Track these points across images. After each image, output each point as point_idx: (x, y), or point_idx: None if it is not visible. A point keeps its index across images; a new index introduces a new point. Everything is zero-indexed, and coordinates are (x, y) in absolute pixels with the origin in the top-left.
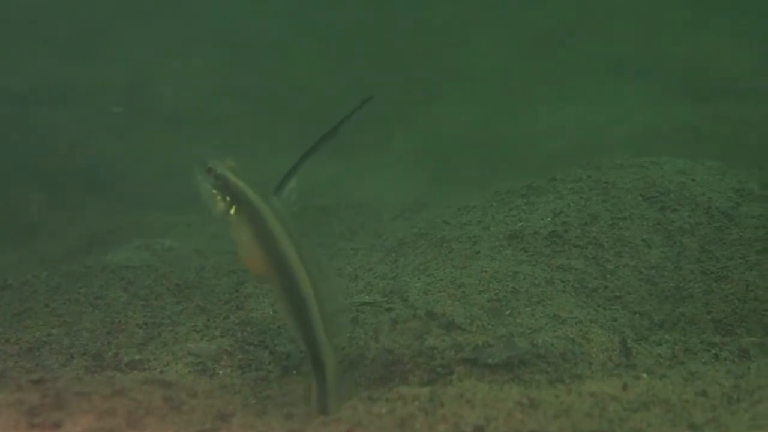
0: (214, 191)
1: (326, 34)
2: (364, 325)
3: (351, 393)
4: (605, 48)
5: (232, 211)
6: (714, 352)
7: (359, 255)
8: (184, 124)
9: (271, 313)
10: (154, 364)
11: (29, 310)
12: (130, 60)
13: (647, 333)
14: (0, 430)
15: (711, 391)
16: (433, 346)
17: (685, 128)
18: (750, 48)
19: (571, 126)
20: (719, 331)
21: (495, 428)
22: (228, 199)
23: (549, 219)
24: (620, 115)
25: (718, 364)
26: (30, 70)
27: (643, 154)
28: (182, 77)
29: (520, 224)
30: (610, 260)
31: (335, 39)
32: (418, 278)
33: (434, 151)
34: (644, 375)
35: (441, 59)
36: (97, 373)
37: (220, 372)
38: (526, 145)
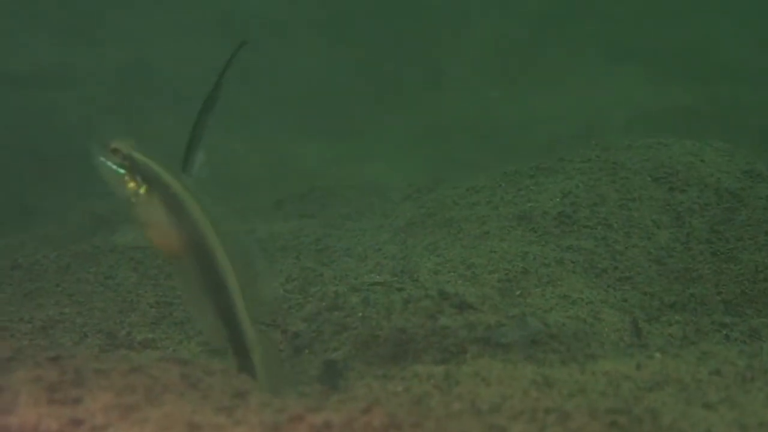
0: (122, 172)
1: (326, 15)
2: (375, 305)
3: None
4: (604, 31)
5: (142, 191)
6: (725, 332)
7: (367, 235)
8: (184, 105)
9: (282, 292)
10: (166, 343)
11: (40, 290)
12: (129, 41)
13: (657, 313)
14: (21, 406)
15: (724, 370)
16: (446, 326)
17: (684, 110)
18: (749, 31)
19: (571, 108)
20: (729, 311)
21: (511, 407)
22: (137, 179)
23: (558, 199)
24: (620, 98)
25: (730, 344)
26: (30, 52)
27: (644, 136)
28: (182, 58)
29: (529, 205)
30: (620, 241)
31: (335, 20)
32: (428, 258)
33: (434, 134)
34: (657, 354)
35: (441, 42)
36: (111, 351)
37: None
38: (527, 128)
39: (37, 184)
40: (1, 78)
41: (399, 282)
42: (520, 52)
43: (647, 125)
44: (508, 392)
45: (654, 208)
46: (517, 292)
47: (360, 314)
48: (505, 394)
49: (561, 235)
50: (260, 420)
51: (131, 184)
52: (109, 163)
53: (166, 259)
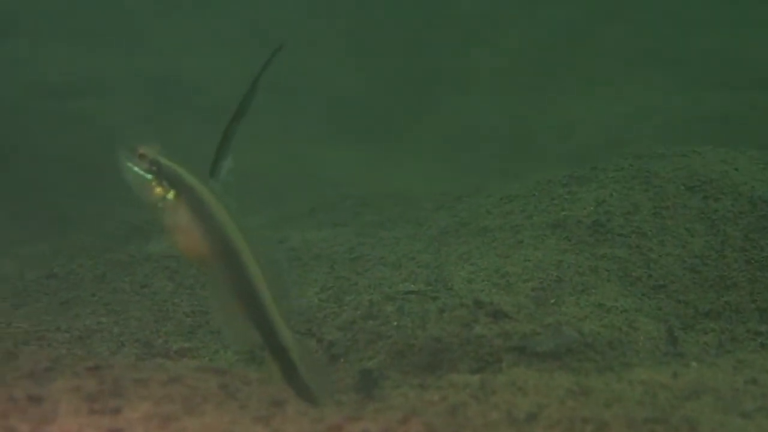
0: (149, 177)
1: (354, 26)
2: (410, 314)
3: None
4: (634, 39)
5: (169, 197)
6: (760, 340)
7: (401, 244)
8: (216, 116)
9: (317, 301)
10: (202, 352)
11: (76, 299)
12: (164, 52)
13: (692, 322)
14: (61, 416)
15: (761, 379)
16: (481, 335)
17: (717, 119)
18: None
19: (600, 117)
20: (764, 319)
21: (548, 416)
22: (164, 184)
23: (592, 208)
24: (650, 106)
25: (765, 352)
26: (66, 63)
27: (675, 144)
28: (215, 69)
29: (563, 213)
30: (654, 249)
31: (363, 31)
32: (462, 267)
33: (464, 142)
34: (693, 363)
35: (470, 50)
36: (148, 360)
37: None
38: (556, 136)
39: (72, 193)
40: (38, 89)
41: (433, 291)
42: (549, 59)
43: (679, 133)
44: (545, 401)
45: (688, 217)
46: (552, 301)
47: (395, 323)
48: (541, 404)
49: (595, 243)
50: (298, 430)
51: (158, 190)
52: (136, 169)
53: (193, 264)
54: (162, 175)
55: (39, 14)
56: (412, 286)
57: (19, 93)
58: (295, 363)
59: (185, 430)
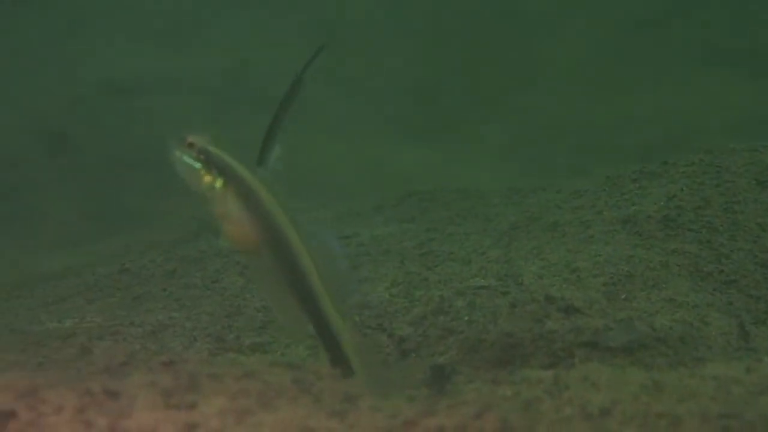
0: (198, 166)
1: (421, 20)
2: (481, 309)
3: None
4: (700, 33)
5: (218, 185)
6: None
7: (471, 239)
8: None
9: (387, 297)
10: (274, 347)
11: (148, 294)
12: (229, 48)
13: (764, 317)
14: (138, 410)
15: None
16: (553, 330)
17: None
18: None
19: (667, 112)
20: None
21: (622, 411)
22: (213, 173)
23: (662, 203)
24: (717, 101)
25: None
26: (133, 60)
27: (746, 138)
28: (281, 64)
29: (633, 208)
30: (725, 244)
31: (430, 26)
32: (533, 262)
33: (530, 137)
34: (765, 358)
35: (535, 45)
36: (220, 355)
37: None
38: (623, 132)
39: (142, 189)
40: (105, 86)
41: (504, 286)
42: (617, 52)
43: (749, 128)
44: (618, 397)
45: (759, 212)
46: (623, 296)
47: (466, 318)
48: (615, 399)
49: (665, 238)
50: (373, 425)
51: (207, 178)
52: (185, 158)
53: (243, 253)
54: (211, 163)
55: (106, 12)
56: (483, 281)
57: (88, 91)
58: (346, 354)
59: (260, 424)
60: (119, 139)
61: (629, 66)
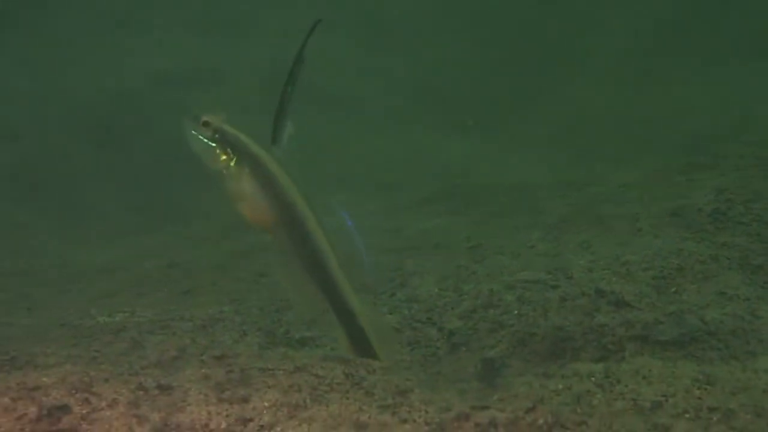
0: (213, 145)
1: (465, 13)
2: (531, 303)
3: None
4: (752, 21)
5: (233, 164)
6: None
7: (519, 233)
8: (327, 105)
9: (436, 291)
10: (324, 341)
11: (198, 288)
12: (275, 40)
13: None
14: (191, 405)
15: None
16: (603, 323)
17: None
18: None
19: (714, 104)
20: None
21: (673, 405)
22: (228, 151)
23: (712, 196)
24: (767, 93)
25: None
26: (178, 52)
27: None
28: (327, 57)
29: (682, 201)
30: None
31: (474, 18)
32: (582, 256)
33: (578, 129)
34: None
35: (583, 34)
36: (270, 349)
37: None
38: (669, 124)
39: (191, 182)
40: (153, 78)
41: (553, 279)
42: (664, 43)
43: None
44: (670, 390)
45: None
46: (672, 289)
47: (516, 312)
48: (667, 393)
49: (715, 231)
50: (425, 418)
51: (222, 157)
52: (201, 137)
53: (257, 231)
54: (225, 142)
55: (154, 4)
56: (532, 274)
57: (136, 83)
58: (362, 327)
59: (313, 419)
60: (167, 132)
61: (676, 57)
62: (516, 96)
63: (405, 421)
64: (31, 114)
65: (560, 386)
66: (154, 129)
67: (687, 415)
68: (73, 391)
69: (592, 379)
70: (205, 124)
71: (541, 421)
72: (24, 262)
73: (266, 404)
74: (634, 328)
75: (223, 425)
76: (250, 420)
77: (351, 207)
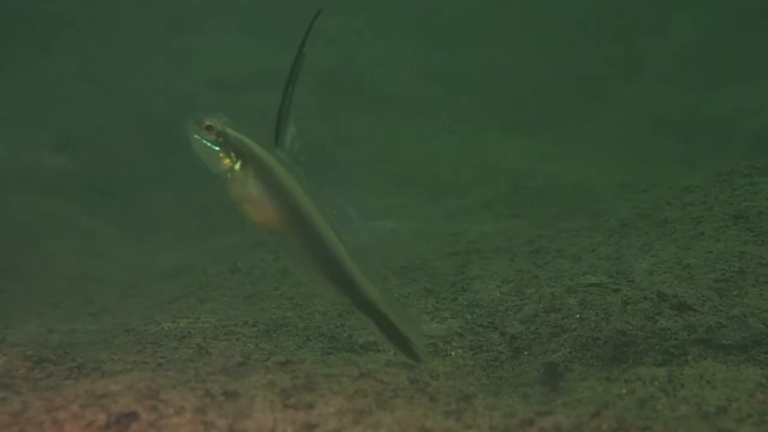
0: (216, 148)
1: (525, 16)
2: (593, 307)
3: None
4: None
5: (237, 167)
6: None
7: (580, 236)
8: (386, 106)
9: (498, 295)
10: (386, 346)
11: (260, 293)
12: (333, 44)
13: None
14: (257, 411)
15: None
16: (665, 327)
17: None
18: None
19: None
20: None
21: (738, 409)
22: (232, 154)
23: None
24: None
25: None
26: (238, 57)
27: None
28: (385, 60)
29: (745, 204)
30: None
31: (534, 21)
32: (643, 259)
33: (638, 131)
34: None
35: (642, 37)
36: (334, 354)
37: (452, 353)
38: (731, 125)
39: None
40: (212, 83)
41: (615, 283)
42: (723, 45)
43: None
44: (734, 395)
45: None
46: (735, 293)
47: (578, 316)
48: (731, 397)
49: None
50: (490, 424)
51: (226, 161)
52: (204, 140)
53: (264, 234)
54: (229, 145)
55: (212, 10)
56: (594, 278)
57: (196, 88)
58: (386, 315)
59: (378, 424)
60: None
61: (738, 57)
62: (577, 97)
63: (469, 426)
64: (92, 120)
65: (624, 391)
66: None
67: (751, 420)
68: (141, 398)
69: (656, 383)
70: (208, 127)
71: (605, 426)
72: (87, 268)
73: (331, 410)
74: (697, 332)
75: (289, 431)
76: (316, 426)
77: (410, 211)
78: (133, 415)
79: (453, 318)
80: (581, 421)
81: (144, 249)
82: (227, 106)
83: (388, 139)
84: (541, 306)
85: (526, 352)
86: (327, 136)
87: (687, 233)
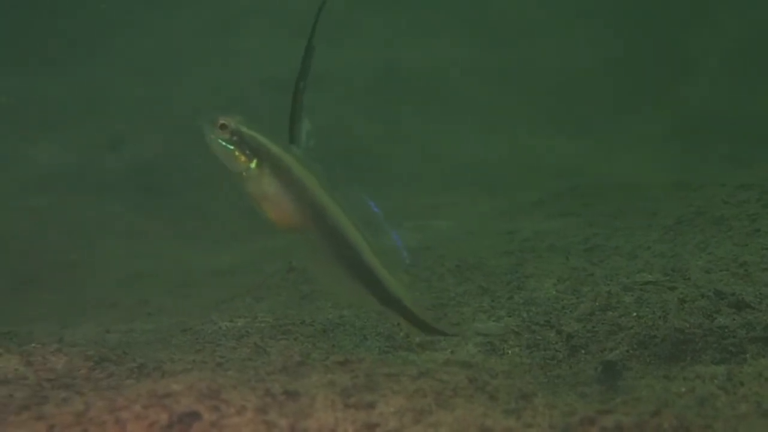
0: (231, 147)
1: (574, 12)
2: (649, 304)
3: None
4: None
5: (253, 166)
6: None
7: (636, 234)
8: (434, 104)
9: (554, 293)
10: (443, 344)
11: (315, 292)
12: (380, 43)
13: None
14: (318, 410)
15: None
16: (723, 325)
17: None
18: None
19: None
20: None
21: None
22: (247, 153)
23: None
24: None
25: None
26: (290, 57)
27: None
28: (432, 58)
29: None
30: None
31: (582, 17)
32: (699, 257)
33: (690, 128)
34: None
35: (694, 34)
36: (391, 353)
37: (509, 351)
38: None
39: None
40: (265, 82)
41: (671, 281)
42: None
43: None
44: None
45: None
46: None
47: (634, 314)
48: None
49: None
50: (550, 423)
51: (241, 159)
52: (219, 139)
53: (283, 232)
54: (244, 144)
55: (262, 9)
56: (650, 276)
57: (248, 88)
58: (411, 309)
59: (438, 423)
60: (279, 136)
61: None
62: (629, 94)
63: (530, 425)
64: (145, 120)
65: (683, 389)
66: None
67: None
68: (203, 398)
69: (715, 381)
70: (222, 126)
71: (666, 425)
72: (142, 267)
73: (392, 410)
74: (755, 330)
75: (350, 430)
76: (377, 425)
77: (460, 209)
78: (195, 415)
79: (509, 316)
80: (642, 419)
81: (197, 248)
82: (278, 106)
83: (436, 137)
84: (598, 304)
85: (583, 351)
86: (375, 134)
87: (743, 230)
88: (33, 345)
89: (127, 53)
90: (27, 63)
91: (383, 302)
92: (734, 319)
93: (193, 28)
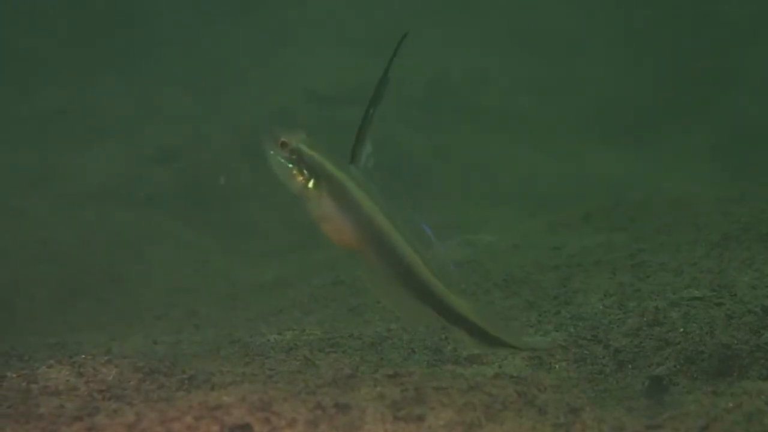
0: (290, 166)
1: (620, 29)
2: (696, 320)
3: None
4: None
5: (311, 185)
6: None
7: (682, 250)
8: (482, 118)
9: (601, 308)
10: (492, 358)
11: (363, 306)
12: (429, 56)
13: None
14: (368, 423)
15: None
16: None
17: None
18: None
19: None
20: None
21: None
22: (306, 172)
23: None
24: None
25: None
26: (335, 70)
27: None
28: (480, 72)
29: None
30: None
31: (629, 34)
32: (746, 273)
33: (736, 143)
34: None
35: (738, 49)
36: (439, 367)
37: (556, 366)
38: None
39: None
40: (310, 96)
41: (718, 297)
42: None
43: None
44: None
45: None
46: None
47: (681, 329)
48: None
49: None
50: None
51: (299, 178)
52: (279, 157)
53: (344, 250)
54: (303, 163)
55: (309, 24)
56: (696, 292)
57: (293, 100)
58: (479, 325)
59: None
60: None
61: None
62: (675, 108)
63: None
64: (192, 132)
65: (731, 404)
66: None
67: None
68: (254, 410)
69: (762, 397)
70: (283, 144)
71: None
72: (189, 279)
73: (441, 423)
74: None
75: None
76: None
77: (507, 223)
78: (246, 427)
79: (556, 331)
80: None
81: (243, 261)
82: (325, 118)
83: (484, 151)
84: (645, 319)
85: (630, 366)
86: (423, 147)
87: None
88: (83, 356)
89: (175, 65)
90: (80, 73)
91: (449, 321)
92: None
93: (241, 43)
